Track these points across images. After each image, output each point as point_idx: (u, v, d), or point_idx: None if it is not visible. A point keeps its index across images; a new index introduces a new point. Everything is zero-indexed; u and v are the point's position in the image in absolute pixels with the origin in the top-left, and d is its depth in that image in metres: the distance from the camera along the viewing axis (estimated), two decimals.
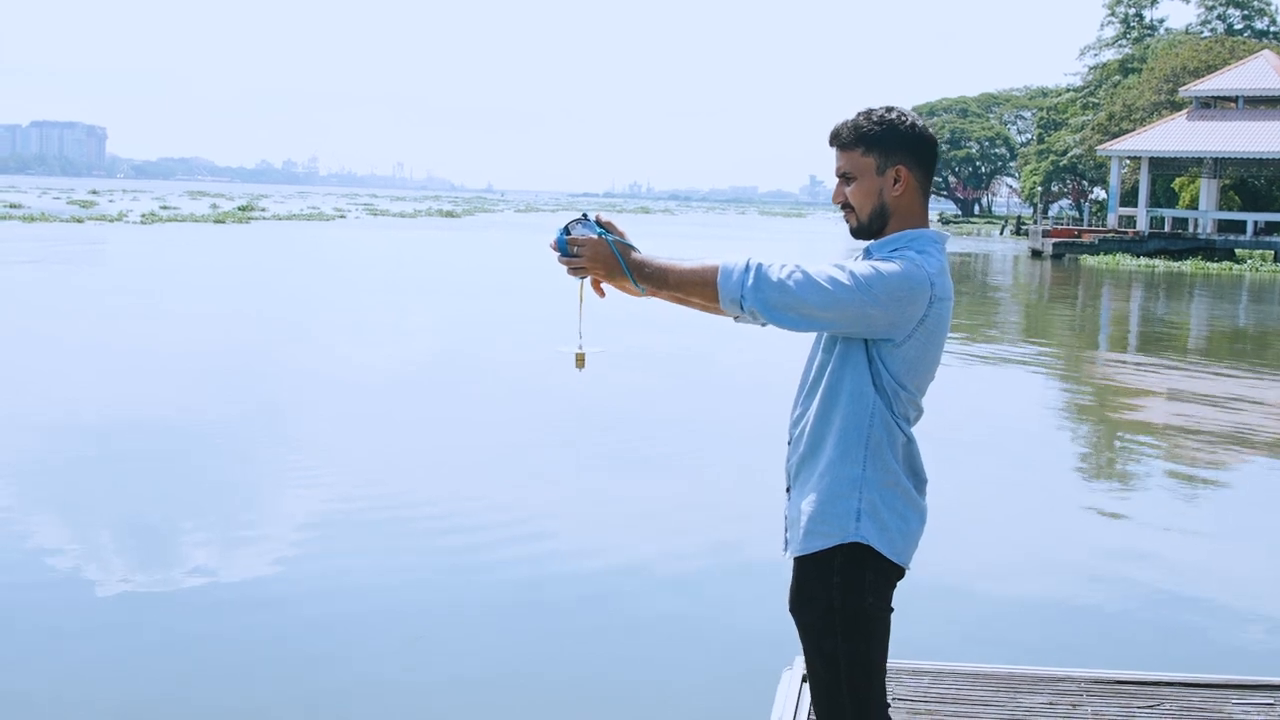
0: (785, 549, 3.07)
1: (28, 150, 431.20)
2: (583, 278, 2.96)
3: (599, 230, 2.92)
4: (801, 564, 2.99)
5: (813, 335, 3.06)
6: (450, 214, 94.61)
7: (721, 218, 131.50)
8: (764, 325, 2.94)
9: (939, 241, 2.99)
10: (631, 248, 2.93)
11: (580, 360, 3.08)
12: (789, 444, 3.08)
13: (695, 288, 2.90)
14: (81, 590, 6.88)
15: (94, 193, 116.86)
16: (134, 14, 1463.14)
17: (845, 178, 3.01)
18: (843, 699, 2.97)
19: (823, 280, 2.82)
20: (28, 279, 27.87)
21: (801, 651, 3.10)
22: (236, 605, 6.77)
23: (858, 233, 3.03)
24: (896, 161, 2.96)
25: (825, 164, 3.05)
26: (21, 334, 18.25)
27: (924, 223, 3.01)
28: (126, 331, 18.71)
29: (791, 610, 3.04)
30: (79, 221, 56.04)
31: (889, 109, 2.99)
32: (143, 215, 63.54)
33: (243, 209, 78.80)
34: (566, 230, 2.93)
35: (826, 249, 54.81)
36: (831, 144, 3.04)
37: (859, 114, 3.01)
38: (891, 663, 3.07)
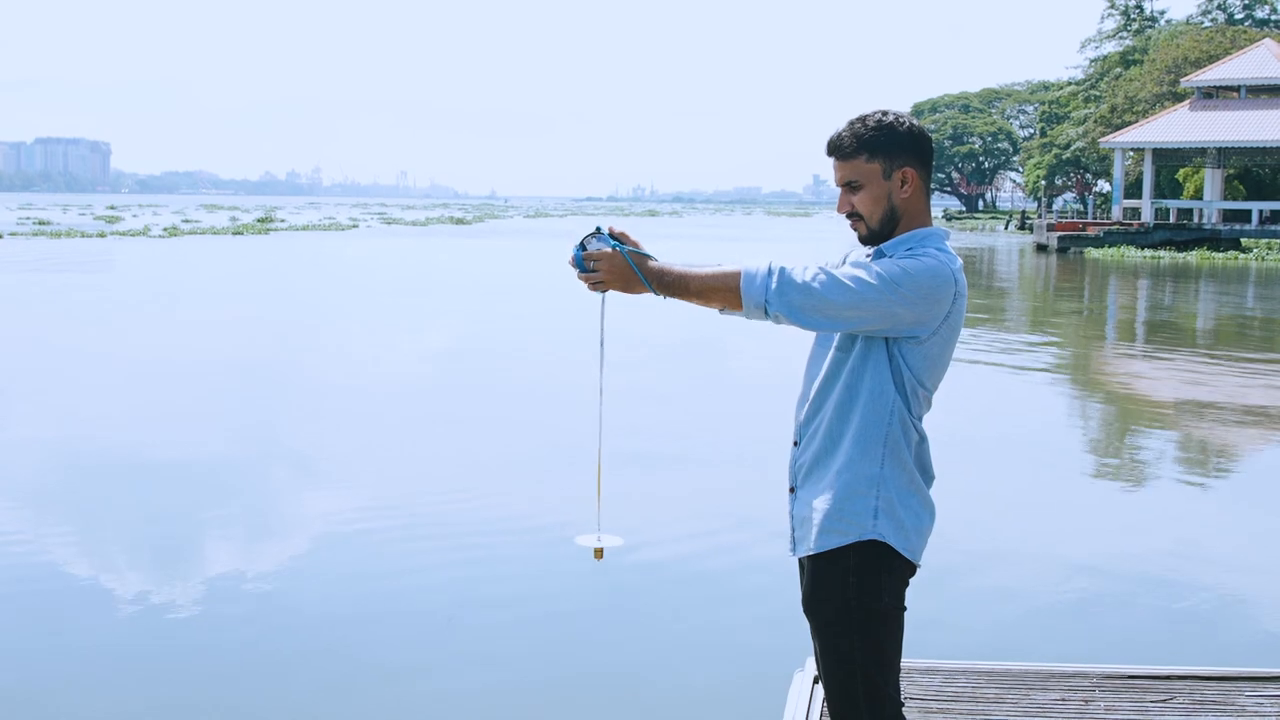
0: (793, 549, 3.06)
1: (32, 167, 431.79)
2: (602, 292, 2.98)
3: (613, 243, 2.94)
4: (815, 562, 2.98)
5: (813, 336, 3.06)
6: (461, 221, 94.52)
7: (728, 219, 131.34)
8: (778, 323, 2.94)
9: (947, 239, 3.01)
10: (648, 257, 2.94)
11: (599, 554, 3.13)
12: (796, 444, 3.07)
13: (717, 294, 2.90)
14: (108, 587, 6.91)
15: (111, 208, 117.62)
16: (136, 27, 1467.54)
17: (850, 186, 2.99)
18: (857, 698, 2.96)
19: (847, 280, 2.82)
20: (78, 291, 28.20)
21: (813, 652, 3.11)
22: (261, 604, 6.80)
23: (868, 239, 3.02)
24: (902, 164, 2.96)
25: (828, 163, 3.03)
26: (75, 343, 18.29)
27: (929, 221, 3.02)
28: (180, 342, 18.77)
29: (805, 610, 3.03)
30: (103, 236, 56.26)
31: (884, 113, 2.98)
32: (165, 229, 63.60)
33: (261, 220, 78.98)
34: (582, 246, 2.95)
35: (838, 250, 54.70)
36: (831, 155, 3.02)
37: (853, 122, 2.99)
38: (904, 661, 3.08)
